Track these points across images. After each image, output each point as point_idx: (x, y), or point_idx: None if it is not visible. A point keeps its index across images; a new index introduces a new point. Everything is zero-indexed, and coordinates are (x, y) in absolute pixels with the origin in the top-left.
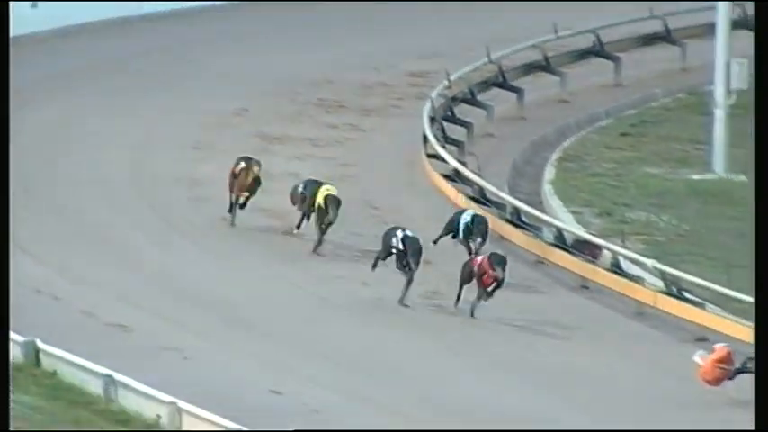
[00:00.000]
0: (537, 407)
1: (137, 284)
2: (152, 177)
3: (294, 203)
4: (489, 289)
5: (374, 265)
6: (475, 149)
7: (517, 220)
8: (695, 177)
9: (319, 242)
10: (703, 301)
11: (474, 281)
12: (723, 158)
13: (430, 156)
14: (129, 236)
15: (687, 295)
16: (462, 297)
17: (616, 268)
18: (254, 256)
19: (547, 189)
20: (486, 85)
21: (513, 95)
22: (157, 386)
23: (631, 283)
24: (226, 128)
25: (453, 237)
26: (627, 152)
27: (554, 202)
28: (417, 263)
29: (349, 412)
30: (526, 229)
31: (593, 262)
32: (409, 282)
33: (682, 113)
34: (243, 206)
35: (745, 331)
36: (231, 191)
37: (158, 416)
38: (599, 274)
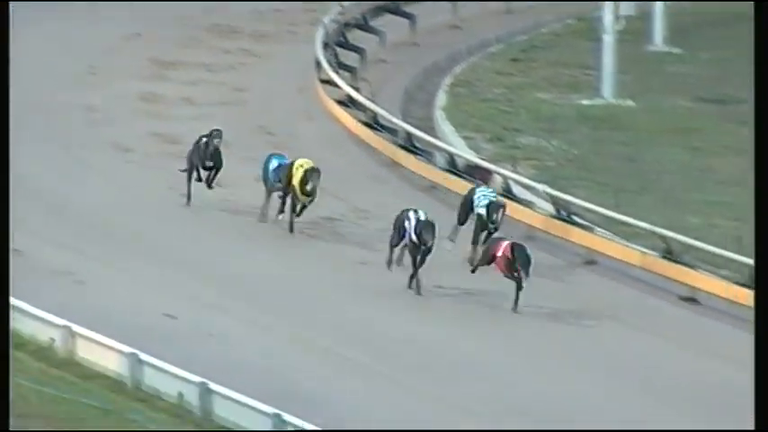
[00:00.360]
0: (422, 327)
1: (31, 210)
2: (48, 103)
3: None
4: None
5: (389, 261)
6: (368, 75)
7: (410, 145)
8: (584, 102)
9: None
10: (592, 225)
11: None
12: (611, 84)
13: (323, 81)
14: (25, 162)
15: (576, 219)
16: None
17: (507, 193)
18: (151, 181)
19: (439, 115)
20: (379, 11)
21: (405, 22)
22: (51, 310)
23: (522, 208)
24: (118, 53)
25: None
26: (517, 78)
27: (446, 127)
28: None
29: (246, 338)
30: (418, 155)
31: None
32: (422, 261)
33: (571, 39)
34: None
35: (632, 254)
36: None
37: (52, 339)
38: None
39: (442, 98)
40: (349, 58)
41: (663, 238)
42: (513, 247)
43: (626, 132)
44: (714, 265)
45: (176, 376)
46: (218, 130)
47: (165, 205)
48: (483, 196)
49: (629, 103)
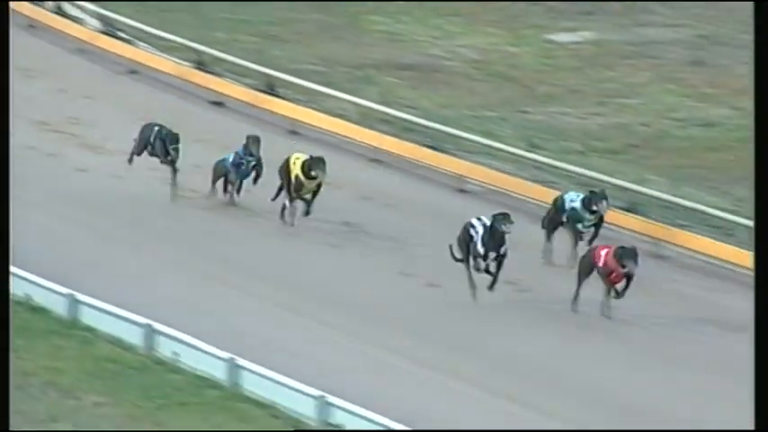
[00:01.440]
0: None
1: None
2: None
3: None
4: (619, 287)
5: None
6: None
7: None
8: None
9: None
10: (134, 39)
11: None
12: None
13: None
14: None
15: (121, 34)
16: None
17: (59, 10)
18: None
19: None
20: None
21: None
22: None
23: (72, 23)
24: None
25: (558, 225)
26: None
27: None
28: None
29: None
30: None
31: (39, 4)
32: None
33: None
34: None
35: (168, 64)
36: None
37: None
38: (47, 16)
39: None
40: None
41: (195, 51)
42: (617, 252)
43: None
44: (237, 74)
45: None
46: (175, 134)
47: None
48: (575, 196)
49: None
